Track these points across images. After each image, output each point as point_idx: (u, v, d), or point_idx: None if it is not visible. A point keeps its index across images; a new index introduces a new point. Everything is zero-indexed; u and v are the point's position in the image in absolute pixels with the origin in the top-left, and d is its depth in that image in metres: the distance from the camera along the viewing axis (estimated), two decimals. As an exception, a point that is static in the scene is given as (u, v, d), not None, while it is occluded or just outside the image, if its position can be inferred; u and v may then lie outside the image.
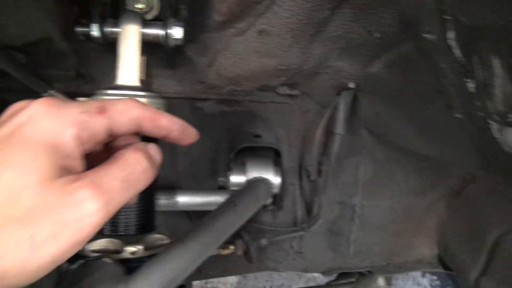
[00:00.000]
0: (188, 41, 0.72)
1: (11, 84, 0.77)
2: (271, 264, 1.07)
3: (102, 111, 0.40)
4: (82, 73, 0.75)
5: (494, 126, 0.54)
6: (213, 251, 0.65)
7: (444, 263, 1.11)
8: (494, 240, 0.91)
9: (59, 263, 0.34)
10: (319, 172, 0.94)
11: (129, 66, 0.63)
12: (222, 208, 0.70)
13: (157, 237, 0.64)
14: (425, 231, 1.08)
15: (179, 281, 0.57)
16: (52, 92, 0.65)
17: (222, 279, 2.89)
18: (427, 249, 1.10)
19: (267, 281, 2.86)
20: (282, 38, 0.64)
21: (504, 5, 0.37)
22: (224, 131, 0.89)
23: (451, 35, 0.45)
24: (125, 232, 0.62)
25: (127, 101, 0.43)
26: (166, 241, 0.65)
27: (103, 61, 0.74)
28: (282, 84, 0.82)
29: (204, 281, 2.90)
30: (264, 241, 0.91)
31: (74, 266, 0.53)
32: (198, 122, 0.88)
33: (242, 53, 0.71)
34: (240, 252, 0.90)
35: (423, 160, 0.95)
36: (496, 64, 0.46)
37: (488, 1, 0.38)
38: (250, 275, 2.90)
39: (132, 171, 0.39)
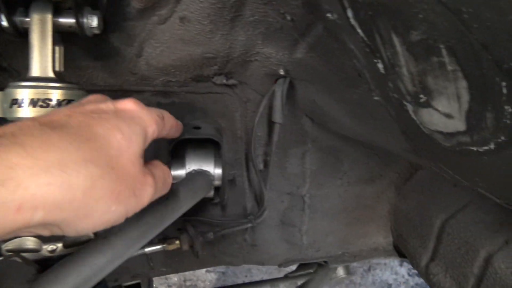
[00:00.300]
0: (112, 31, 0.70)
1: None
2: (226, 259, 1.05)
3: (163, 117, 0.51)
4: (4, 67, 0.73)
5: (409, 107, 0.53)
6: (140, 247, 0.62)
7: (399, 250, 1.11)
8: (440, 225, 0.91)
9: (111, 225, 0.42)
10: (265, 163, 0.93)
11: (41, 56, 0.60)
12: (153, 202, 0.68)
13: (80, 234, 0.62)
14: (378, 218, 1.07)
15: (98, 279, 0.55)
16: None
17: (201, 277, 2.88)
18: (382, 237, 1.10)
19: (246, 276, 2.86)
20: (202, 24, 0.63)
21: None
22: None
23: (350, 13, 0.44)
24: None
25: (167, 112, 0.54)
26: (92, 236, 0.63)
27: (24, 53, 0.72)
28: (218, 74, 0.80)
29: (182, 279, 2.90)
30: (210, 235, 0.89)
31: None
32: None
33: (168, 42, 0.69)
34: (186, 247, 0.89)
35: (368, 147, 0.94)
36: (397, 43, 0.45)
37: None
38: (229, 272, 2.90)
39: (165, 179, 0.52)
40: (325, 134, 0.91)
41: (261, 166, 0.93)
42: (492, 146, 0.47)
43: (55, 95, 0.59)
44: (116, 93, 0.82)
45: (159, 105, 0.86)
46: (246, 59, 0.73)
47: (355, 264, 3.05)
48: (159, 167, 0.51)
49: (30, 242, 0.58)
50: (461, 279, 0.86)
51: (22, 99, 0.58)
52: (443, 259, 0.91)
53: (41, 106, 0.58)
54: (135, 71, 0.77)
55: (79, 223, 0.38)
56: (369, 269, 3.05)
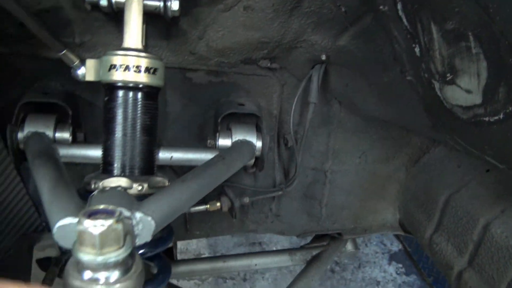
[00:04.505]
0: (183, 15, 0.82)
1: (20, 49, 0.86)
2: (251, 226, 1.18)
3: None
4: (85, 42, 0.85)
5: (436, 85, 0.67)
6: (206, 193, 0.74)
7: (404, 227, 1.25)
8: (445, 200, 1.05)
9: None
10: (295, 140, 1.06)
11: (134, 31, 0.73)
12: (212, 160, 0.81)
13: (158, 180, 0.75)
14: (388, 197, 1.21)
15: (180, 212, 0.66)
16: (64, 52, 0.74)
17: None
18: (390, 214, 1.24)
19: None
20: (265, 12, 0.76)
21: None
22: (212, 100, 1.00)
23: (399, 6, 0.58)
24: (131, 173, 0.73)
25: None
26: (167, 183, 0.76)
27: (106, 31, 0.84)
28: (264, 58, 0.93)
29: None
30: (246, 199, 1.02)
31: (93, 194, 0.62)
32: (188, 91, 0.99)
33: (230, 27, 0.82)
34: (225, 208, 1.01)
35: (385, 130, 1.08)
36: (434, 30, 0.58)
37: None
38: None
39: None
40: (350, 116, 1.05)
41: (291, 143, 1.06)
42: (501, 116, 0.61)
43: (144, 63, 0.72)
44: (174, 70, 0.95)
45: (210, 83, 0.99)
46: (292, 46, 0.86)
47: (346, 261, 3.21)
48: None
49: (122, 182, 0.70)
50: (461, 246, 1.00)
51: (119, 65, 0.70)
52: (446, 230, 1.05)
53: (135, 71, 0.71)
54: (194, 52, 0.90)
55: None
56: (359, 267, 3.21)
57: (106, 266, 0.46)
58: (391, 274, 3.19)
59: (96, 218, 0.45)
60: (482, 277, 0.94)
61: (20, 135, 0.83)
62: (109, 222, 0.45)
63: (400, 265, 3.26)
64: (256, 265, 1.23)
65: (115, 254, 0.46)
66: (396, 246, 3.43)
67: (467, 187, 1.01)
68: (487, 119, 0.64)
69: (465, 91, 0.63)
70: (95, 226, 0.45)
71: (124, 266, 0.48)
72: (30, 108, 0.86)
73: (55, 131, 0.85)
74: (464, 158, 1.05)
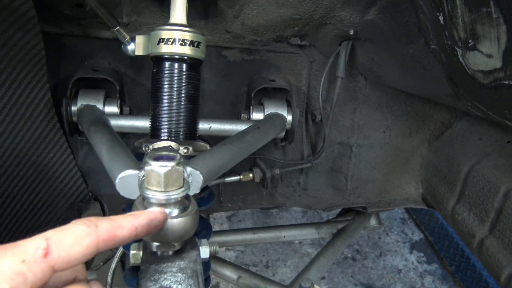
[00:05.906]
0: (221, -5, 0.89)
1: (73, 30, 0.94)
2: (280, 199, 1.25)
3: (45, 253, 0.36)
4: (132, 22, 0.93)
5: (459, 52, 0.72)
6: (244, 157, 0.82)
7: (427, 201, 1.30)
8: (466, 171, 1.09)
9: None
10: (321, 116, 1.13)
11: (179, 8, 0.81)
12: (249, 128, 0.88)
13: (201, 144, 0.82)
14: (411, 171, 1.26)
15: (223, 170, 0.74)
16: (118, 28, 0.82)
17: (221, 254, 3.08)
18: (413, 188, 1.29)
19: (263, 255, 3.06)
20: (298, -11, 0.82)
21: None
22: (244, 77, 1.07)
23: (425, -25, 0.63)
24: (176, 137, 0.81)
25: (77, 230, 0.38)
26: (208, 147, 0.84)
27: (150, 11, 0.92)
28: (294, 35, 1.00)
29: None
30: (277, 170, 1.09)
31: (148, 151, 0.70)
32: (222, 68, 1.06)
33: (264, 5, 0.89)
34: (257, 179, 1.08)
35: (409, 105, 1.14)
36: (457, -3, 0.64)
37: None
38: (248, 251, 3.10)
39: None
40: (375, 92, 1.11)
41: (319, 117, 1.12)
42: (520, 78, 0.66)
43: (188, 37, 0.80)
44: (210, 48, 1.03)
45: (243, 61, 1.06)
46: (322, 22, 0.92)
47: (367, 249, 3.26)
48: None
49: (171, 144, 0.78)
50: (483, 214, 1.04)
51: (167, 39, 0.78)
52: (468, 200, 1.09)
53: (181, 44, 0.78)
54: (230, 30, 0.97)
55: None
56: (380, 255, 3.25)
57: (168, 203, 0.54)
58: (413, 262, 3.22)
59: (161, 161, 0.53)
60: (503, 242, 0.99)
61: (73, 108, 0.92)
62: (172, 163, 0.53)
63: (422, 254, 3.29)
64: (284, 236, 1.30)
65: (176, 192, 0.54)
66: (417, 236, 3.45)
67: (488, 157, 1.05)
68: (507, 82, 0.69)
69: (486, 56, 0.69)
70: (161, 167, 0.52)
71: (183, 204, 0.55)
72: (81, 84, 0.95)
73: (104, 104, 0.93)
74: (485, 131, 1.10)
